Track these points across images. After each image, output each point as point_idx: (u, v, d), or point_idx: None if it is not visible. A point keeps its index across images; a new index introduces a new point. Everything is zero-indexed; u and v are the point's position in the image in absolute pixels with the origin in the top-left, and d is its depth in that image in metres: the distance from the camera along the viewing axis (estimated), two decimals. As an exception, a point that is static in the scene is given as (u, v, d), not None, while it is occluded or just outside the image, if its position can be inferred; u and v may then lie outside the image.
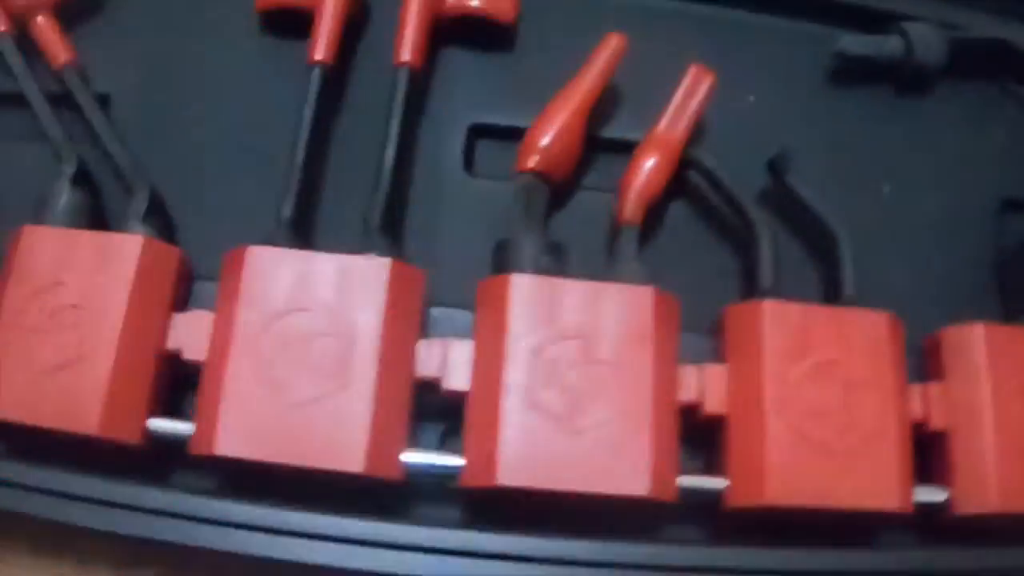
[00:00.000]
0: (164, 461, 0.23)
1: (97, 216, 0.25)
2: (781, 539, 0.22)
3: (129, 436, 0.22)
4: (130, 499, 0.22)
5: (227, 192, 0.26)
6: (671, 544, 0.23)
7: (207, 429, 0.21)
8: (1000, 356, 0.23)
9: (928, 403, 0.23)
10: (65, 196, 0.24)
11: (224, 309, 0.22)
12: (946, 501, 0.22)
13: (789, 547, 0.22)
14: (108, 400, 0.21)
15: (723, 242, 0.26)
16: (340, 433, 0.21)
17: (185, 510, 0.21)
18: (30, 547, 0.25)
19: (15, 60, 0.26)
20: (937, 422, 0.23)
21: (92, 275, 0.22)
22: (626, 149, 0.25)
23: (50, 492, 0.22)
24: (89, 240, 0.23)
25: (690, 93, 0.25)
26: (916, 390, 0.23)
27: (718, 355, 0.23)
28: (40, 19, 0.27)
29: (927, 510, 0.22)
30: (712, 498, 0.22)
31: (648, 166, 0.24)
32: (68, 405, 0.21)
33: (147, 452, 0.22)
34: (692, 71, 0.25)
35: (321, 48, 0.25)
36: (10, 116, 0.27)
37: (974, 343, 0.23)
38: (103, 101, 0.26)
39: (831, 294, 0.25)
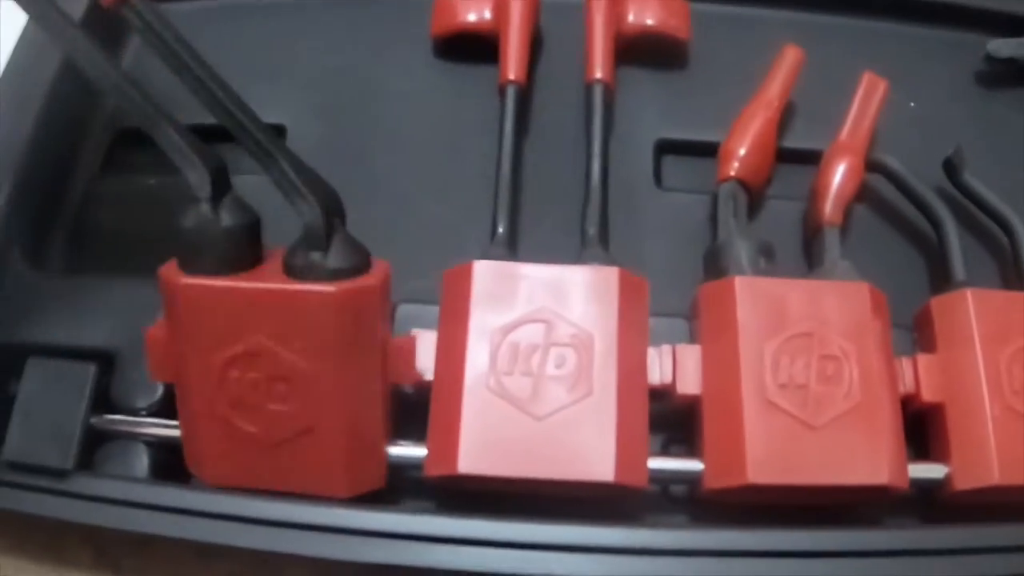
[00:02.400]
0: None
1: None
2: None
3: (375, 485, 0.24)
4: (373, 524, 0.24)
5: (408, 214, 0.28)
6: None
7: (446, 449, 0.23)
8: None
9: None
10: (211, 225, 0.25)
11: (452, 326, 0.24)
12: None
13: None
14: (348, 461, 0.23)
15: (904, 241, 0.29)
16: (587, 443, 0.23)
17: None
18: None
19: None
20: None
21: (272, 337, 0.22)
22: (806, 159, 0.28)
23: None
24: (269, 295, 0.22)
25: (867, 100, 0.28)
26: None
27: (921, 346, 0.26)
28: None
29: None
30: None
31: (842, 170, 0.27)
32: (308, 471, 0.23)
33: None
34: (866, 79, 0.28)
35: (514, 68, 0.27)
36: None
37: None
38: (279, 132, 0.29)
39: (1010, 282, 0.28)
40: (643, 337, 0.24)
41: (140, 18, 0.23)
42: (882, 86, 0.28)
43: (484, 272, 0.24)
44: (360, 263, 0.22)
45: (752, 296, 0.24)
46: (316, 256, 0.21)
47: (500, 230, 0.26)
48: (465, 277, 0.24)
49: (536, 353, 0.23)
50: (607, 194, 0.26)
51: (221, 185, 0.22)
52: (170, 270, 0.22)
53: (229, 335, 0.22)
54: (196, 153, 0.22)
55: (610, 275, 0.24)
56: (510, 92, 0.27)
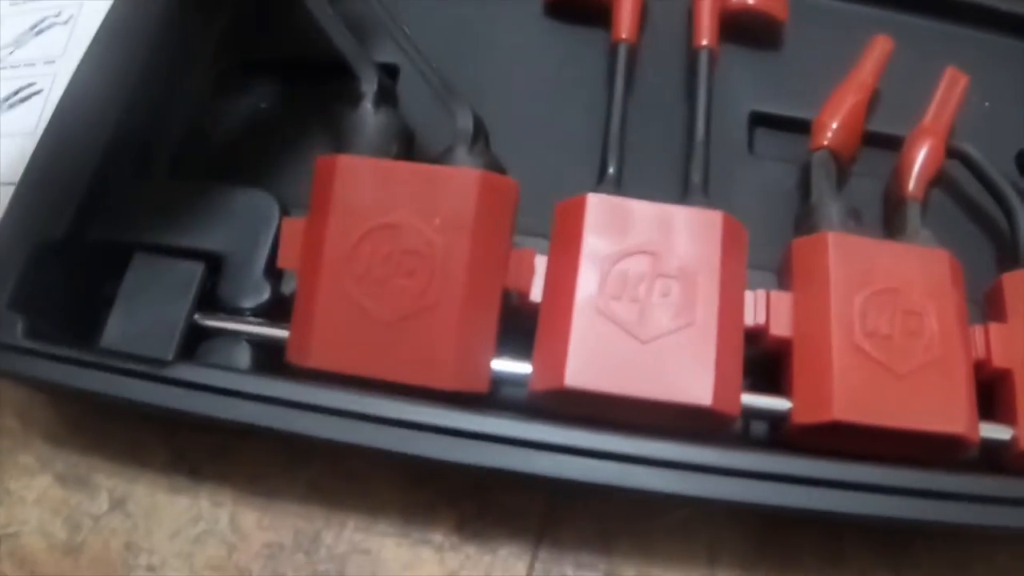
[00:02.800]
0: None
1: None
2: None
3: (478, 386, 0.25)
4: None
5: (517, 159, 0.30)
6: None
7: (553, 364, 0.25)
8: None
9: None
10: (371, 120, 0.27)
11: (563, 253, 0.26)
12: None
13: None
14: (459, 353, 0.25)
15: (975, 223, 0.31)
16: (687, 369, 0.24)
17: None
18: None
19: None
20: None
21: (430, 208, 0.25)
22: (887, 143, 0.31)
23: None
24: (417, 173, 0.25)
25: (949, 91, 0.30)
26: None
27: (989, 315, 0.28)
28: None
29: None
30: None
31: (925, 150, 0.29)
32: (417, 358, 0.25)
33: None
34: (949, 73, 0.31)
35: (626, 28, 0.30)
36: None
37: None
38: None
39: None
40: (741, 278, 0.26)
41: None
42: (963, 80, 0.31)
43: (597, 204, 0.26)
44: (499, 170, 0.24)
45: (843, 251, 0.26)
46: (465, 150, 0.23)
47: (611, 171, 0.28)
48: (579, 208, 0.26)
49: (643, 282, 0.25)
50: (709, 149, 0.28)
51: (385, 93, 0.24)
52: (327, 156, 0.24)
53: (374, 210, 0.24)
54: (369, 63, 0.24)
55: (715, 217, 0.26)
56: (621, 50, 0.30)
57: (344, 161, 0.25)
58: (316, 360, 0.25)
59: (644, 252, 0.26)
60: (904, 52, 0.32)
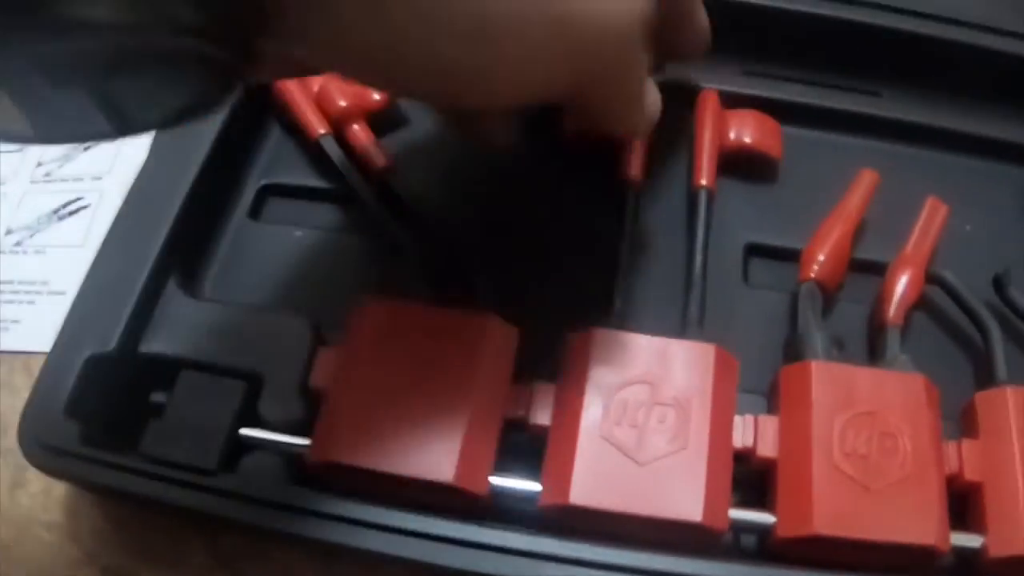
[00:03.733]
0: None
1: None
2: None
3: (477, 488, 0.30)
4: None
5: (529, 289, 0.35)
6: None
7: (560, 483, 0.30)
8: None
9: None
10: (407, 279, 0.34)
11: (572, 381, 0.31)
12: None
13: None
14: (463, 454, 0.30)
15: (954, 345, 0.36)
16: (680, 488, 0.29)
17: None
18: None
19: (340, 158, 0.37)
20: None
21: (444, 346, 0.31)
22: (871, 269, 0.36)
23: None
24: (436, 314, 0.32)
25: (930, 221, 0.36)
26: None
27: (965, 432, 0.33)
28: (356, 126, 0.38)
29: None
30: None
31: (905, 278, 0.34)
32: (425, 456, 0.30)
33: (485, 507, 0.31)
34: (929, 203, 0.36)
35: (636, 168, 0.35)
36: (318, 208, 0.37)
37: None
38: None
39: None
40: (731, 406, 0.31)
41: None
42: (943, 210, 0.36)
43: (601, 338, 0.31)
44: None
45: (825, 378, 0.31)
46: None
47: (617, 305, 0.33)
48: (585, 341, 0.31)
49: (642, 409, 0.30)
50: (706, 282, 0.34)
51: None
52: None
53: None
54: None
55: (708, 350, 0.31)
56: (630, 192, 0.35)
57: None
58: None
59: (643, 382, 0.31)
60: (891, 179, 0.37)
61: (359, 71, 0.26)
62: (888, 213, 0.36)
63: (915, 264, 0.35)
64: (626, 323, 0.33)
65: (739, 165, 0.37)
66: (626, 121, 0.30)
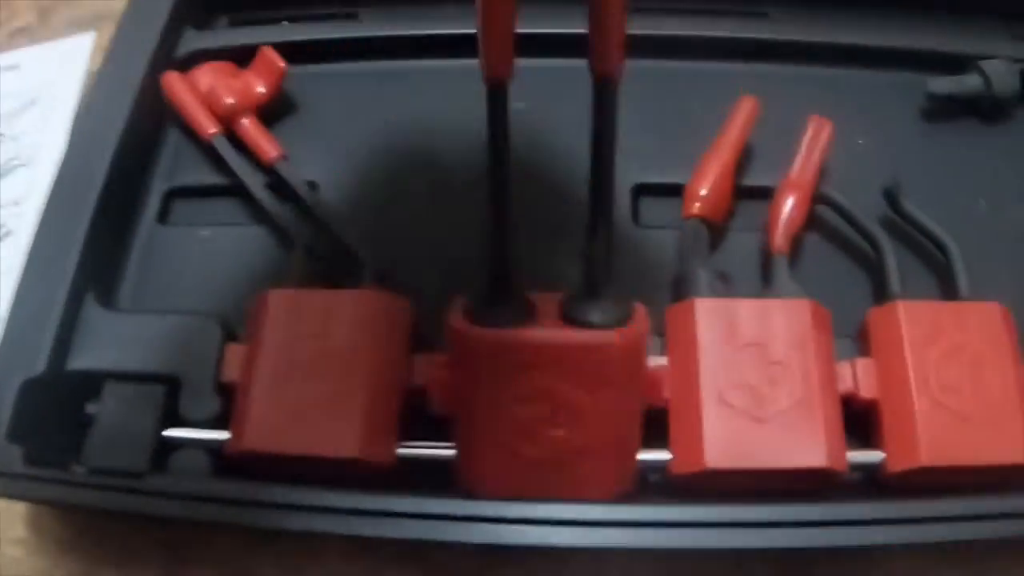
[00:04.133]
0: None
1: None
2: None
3: (382, 459, 0.33)
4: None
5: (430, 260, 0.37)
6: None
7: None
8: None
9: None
10: (301, 265, 0.36)
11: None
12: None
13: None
14: (365, 428, 0.32)
15: (851, 261, 0.37)
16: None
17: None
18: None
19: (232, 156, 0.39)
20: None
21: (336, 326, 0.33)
22: (762, 195, 0.37)
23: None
24: (327, 297, 0.34)
25: (814, 141, 0.37)
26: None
27: (862, 351, 0.34)
28: (245, 120, 0.40)
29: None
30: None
31: (790, 204, 0.36)
32: (330, 434, 0.32)
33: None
34: (813, 122, 0.37)
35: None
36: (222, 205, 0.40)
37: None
38: (312, 186, 0.38)
39: (949, 295, 0.36)
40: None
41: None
42: (827, 127, 0.37)
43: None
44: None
45: (709, 315, 0.33)
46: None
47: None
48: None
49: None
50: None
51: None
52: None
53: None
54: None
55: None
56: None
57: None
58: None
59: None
60: (779, 102, 0.38)
61: None
62: (776, 137, 0.37)
63: (800, 187, 0.36)
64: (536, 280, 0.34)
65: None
66: None
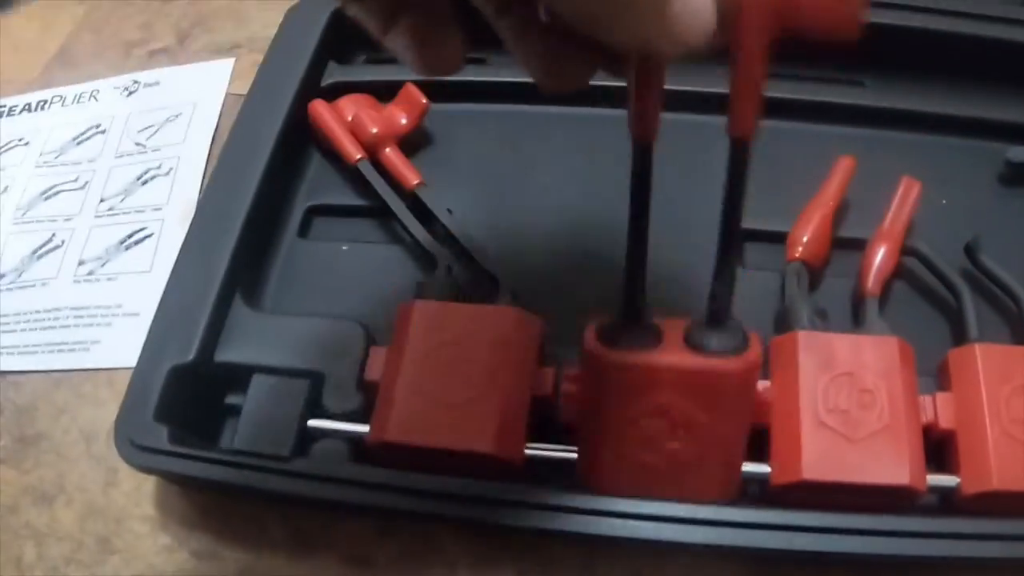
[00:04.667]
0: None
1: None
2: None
3: (513, 457, 0.40)
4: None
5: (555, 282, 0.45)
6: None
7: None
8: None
9: None
10: (442, 282, 0.43)
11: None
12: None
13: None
14: (499, 428, 0.39)
15: (933, 307, 0.45)
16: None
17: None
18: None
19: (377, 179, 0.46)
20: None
21: (476, 337, 0.40)
22: (855, 246, 0.44)
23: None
24: (468, 310, 0.41)
25: (904, 199, 0.44)
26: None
27: (941, 387, 0.41)
28: (388, 149, 0.47)
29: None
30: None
31: (881, 253, 0.43)
32: (467, 431, 0.39)
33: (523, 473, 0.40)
34: (904, 182, 0.45)
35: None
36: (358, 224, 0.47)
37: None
38: (448, 213, 0.46)
39: (1021, 341, 0.43)
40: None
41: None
42: (916, 187, 0.44)
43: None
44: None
45: (809, 346, 0.40)
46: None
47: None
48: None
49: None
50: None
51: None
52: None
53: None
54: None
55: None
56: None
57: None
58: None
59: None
60: (872, 162, 0.46)
61: None
62: (869, 193, 0.45)
63: (891, 239, 0.43)
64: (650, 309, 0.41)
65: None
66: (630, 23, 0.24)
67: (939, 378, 0.42)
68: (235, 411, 0.43)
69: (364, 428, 0.41)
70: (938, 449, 0.40)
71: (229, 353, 0.44)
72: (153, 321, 0.44)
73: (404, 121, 0.47)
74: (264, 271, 0.47)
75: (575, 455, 0.40)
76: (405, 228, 0.45)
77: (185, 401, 0.43)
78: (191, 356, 0.43)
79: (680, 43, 0.24)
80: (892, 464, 0.38)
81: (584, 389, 0.39)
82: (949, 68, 0.48)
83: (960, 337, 0.42)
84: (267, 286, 0.47)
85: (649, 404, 0.37)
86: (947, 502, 0.40)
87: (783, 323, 0.42)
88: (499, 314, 0.41)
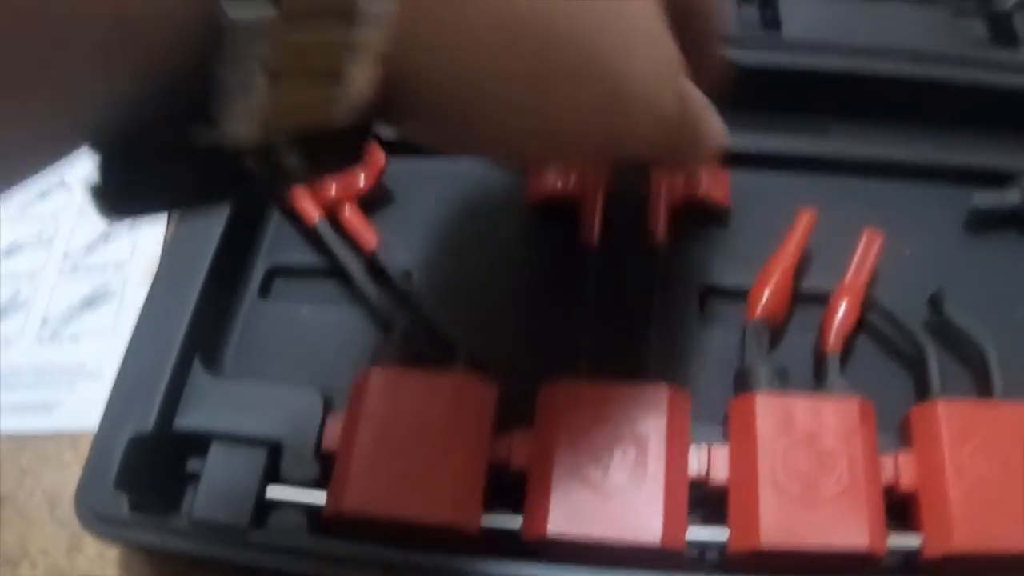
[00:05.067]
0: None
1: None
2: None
3: (469, 527, 0.39)
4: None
5: (507, 345, 0.44)
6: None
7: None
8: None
9: None
10: (398, 346, 0.43)
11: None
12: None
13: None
14: (454, 498, 0.39)
15: (896, 362, 0.44)
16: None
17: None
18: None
19: (335, 242, 0.46)
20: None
21: (432, 404, 0.40)
22: (818, 300, 0.44)
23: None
24: (423, 378, 0.41)
25: (866, 252, 0.44)
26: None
27: (902, 443, 0.41)
28: (347, 209, 0.47)
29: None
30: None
31: (843, 309, 0.43)
32: (423, 501, 0.39)
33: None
34: (866, 235, 0.44)
35: (593, 233, 0.44)
36: (319, 285, 0.47)
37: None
38: (407, 276, 0.46)
39: (985, 394, 0.43)
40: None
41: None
42: (878, 240, 0.44)
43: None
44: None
45: (768, 408, 0.40)
46: None
47: (585, 354, 0.42)
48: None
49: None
50: (665, 326, 0.42)
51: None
52: None
53: None
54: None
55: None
56: (591, 256, 0.44)
57: None
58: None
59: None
60: (835, 212, 0.45)
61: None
62: (833, 244, 0.44)
63: (852, 293, 0.43)
64: (599, 368, 0.41)
65: (693, 212, 0.46)
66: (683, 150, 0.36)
67: (901, 435, 0.41)
68: (197, 477, 0.43)
69: (322, 497, 0.40)
70: (902, 510, 0.40)
71: (188, 420, 0.44)
72: (113, 387, 0.44)
73: (363, 181, 0.47)
74: (224, 333, 0.47)
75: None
76: (362, 292, 0.45)
77: (146, 469, 0.43)
78: (150, 425, 0.43)
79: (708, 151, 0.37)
80: (851, 527, 0.38)
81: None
82: (912, 113, 0.48)
83: (923, 392, 0.42)
84: (227, 349, 0.47)
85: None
86: (910, 564, 0.39)
87: (741, 383, 0.41)
88: (454, 381, 0.41)
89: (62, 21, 0.18)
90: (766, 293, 0.43)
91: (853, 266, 0.43)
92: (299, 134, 0.24)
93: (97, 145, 0.23)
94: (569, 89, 0.27)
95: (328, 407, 0.43)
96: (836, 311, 0.43)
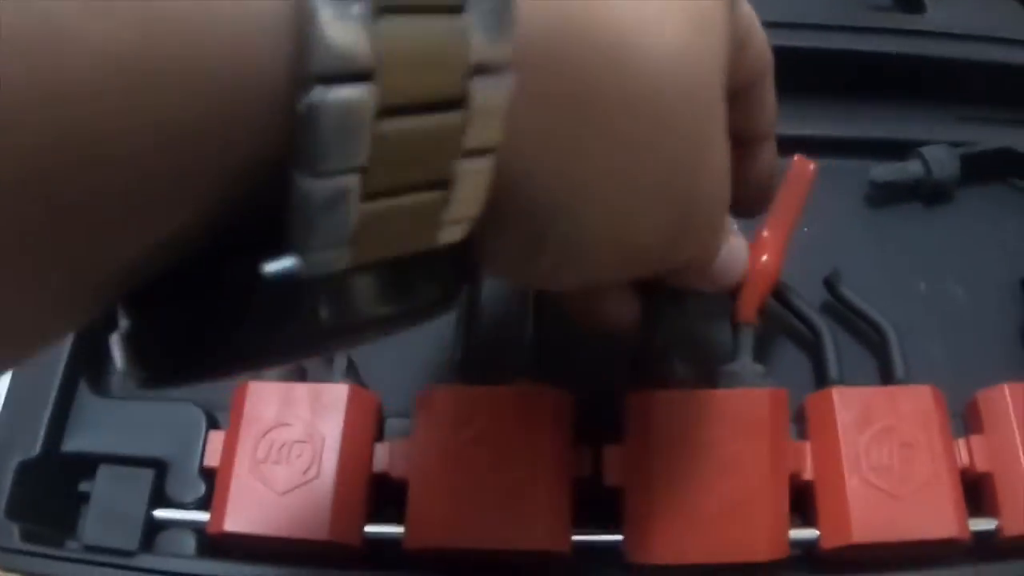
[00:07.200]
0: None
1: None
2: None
3: (351, 540, 0.38)
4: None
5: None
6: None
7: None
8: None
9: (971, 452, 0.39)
10: None
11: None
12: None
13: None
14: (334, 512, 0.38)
15: (798, 348, 0.43)
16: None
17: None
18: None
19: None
20: (981, 466, 0.39)
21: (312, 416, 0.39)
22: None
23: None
24: (306, 389, 0.40)
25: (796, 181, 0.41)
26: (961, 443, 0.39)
27: (803, 431, 0.40)
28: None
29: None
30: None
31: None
32: (301, 519, 0.37)
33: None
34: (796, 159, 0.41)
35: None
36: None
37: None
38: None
39: (887, 377, 0.41)
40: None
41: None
42: (809, 167, 0.41)
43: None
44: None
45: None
46: None
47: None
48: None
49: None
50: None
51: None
52: None
53: None
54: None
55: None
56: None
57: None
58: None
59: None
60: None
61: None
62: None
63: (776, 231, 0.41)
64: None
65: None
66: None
67: (799, 424, 0.40)
68: (88, 500, 0.42)
69: (207, 517, 0.39)
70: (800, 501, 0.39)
71: (76, 443, 0.43)
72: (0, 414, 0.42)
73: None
74: (108, 354, 0.45)
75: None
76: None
77: (37, 495, 0.42)
78: (37, 450, 0.42)
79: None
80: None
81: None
82: (808, 85, 0.45)
83: (822, 379, 0.40)
84: (113, 369, 0.45)
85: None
86: (810, 556, 0.38)
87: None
88: (333, 391, 0.40)
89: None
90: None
91: (779, 199, 0.40)
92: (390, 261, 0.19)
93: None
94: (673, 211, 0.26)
95: (212, 422, 0.41)
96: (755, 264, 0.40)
